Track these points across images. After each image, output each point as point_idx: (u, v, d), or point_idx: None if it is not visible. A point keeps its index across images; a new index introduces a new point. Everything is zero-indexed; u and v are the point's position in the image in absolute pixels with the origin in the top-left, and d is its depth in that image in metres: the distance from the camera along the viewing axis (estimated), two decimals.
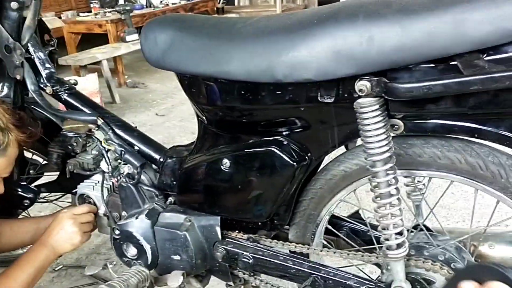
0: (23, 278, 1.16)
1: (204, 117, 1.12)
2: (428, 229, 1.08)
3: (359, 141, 0.99)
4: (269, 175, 1.03)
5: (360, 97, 0.83)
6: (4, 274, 1.16)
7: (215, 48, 0.95)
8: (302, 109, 0.94)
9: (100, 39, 4.47)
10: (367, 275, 1.11)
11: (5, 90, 1.35)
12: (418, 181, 1.15)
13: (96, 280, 1.71)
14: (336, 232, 1.16)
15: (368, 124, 0.84)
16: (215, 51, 0.95)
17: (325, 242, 1.18)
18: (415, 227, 1.09)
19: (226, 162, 1.06)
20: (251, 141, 1.05)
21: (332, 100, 0.88)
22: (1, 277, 1.15)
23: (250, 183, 1.06)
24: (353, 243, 1.16)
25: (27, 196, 1.57)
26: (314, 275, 1.06)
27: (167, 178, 1.24)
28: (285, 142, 1.01)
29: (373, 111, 0.83)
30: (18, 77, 1.31)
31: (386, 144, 0.86)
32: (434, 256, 0.98)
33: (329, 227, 1.14)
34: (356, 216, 1.23)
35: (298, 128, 1.00)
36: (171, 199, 1.25)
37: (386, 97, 0.80)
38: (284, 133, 1.02)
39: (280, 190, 1.04)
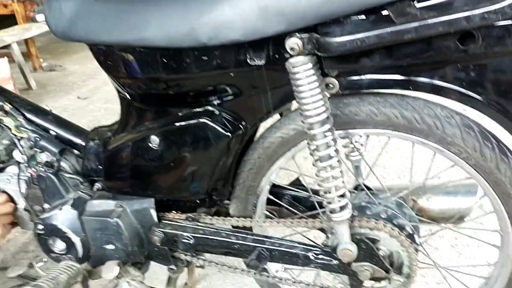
0: None
1: (125, 92, 1.01)
2: (368, 188, 1.07)
3: (294, 105, 0.95)
4: (202, 149, 0.95)
5: (291, 56, 0.78)
6: None
7: (128, 12, 0.85)
8: (232, 74, 0.87)
9: (7, 21, 4.07)
10: (313, 241, 1.08)
11: None
12: (355, 141, 1.14)
13: (26, 281, 1.57)
14: (278, 201, 1.12)
15: (302, 85, 0.80)
16: (128, 15, 0.85)
17: (267, 213, 1.14)
18: (356, 187, 1.08)
19: (155, 139, 0.98)
20: (180, 114, 0.97)
21: (263, 62, 0.82)
22: None
23: (183, 160, 0.98)
24: (296, 211, 1.13)
25: None
26: (259, 248, 1.02)
27: (92, 163, 1.13)
28: (217, 112, 0.94)
29: (306, 70, 0.78)
30: None
31: (323, 105, 0.82)
32: (377, 214, 0.97)
33: (271, 197, 1.10)
34: (297, 183, 1.20)
35: (229, 96, 0.94)
36: (98, 185, 1.14)
37: (319, 54, 0.75)
38: (215, 103, 0.95)
39: (216, 163, 0.97)
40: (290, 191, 1.16)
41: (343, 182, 0.90)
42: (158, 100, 1.00)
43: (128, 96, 1.02)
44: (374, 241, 0.96)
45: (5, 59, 3.27)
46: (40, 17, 3.81)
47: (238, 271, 1.11)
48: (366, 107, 0.88)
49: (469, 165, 0.87)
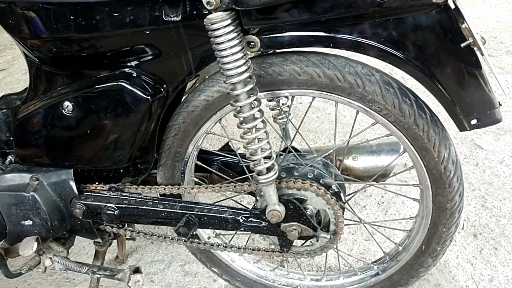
0: None
1: (33, 56, 0.93)
2: (296, 150, 1.07)
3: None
4: (121, 114, 0.90)
5: (209, 12, 0.74)
6: None
7: None
8: (148, 32, 0.82)
9: None
10: (242, 205, 1.08)
11: None
12: (282, 104, 1.13)
13: None
14: (207, 167, 1.10)
15: (222, 42, 0.77)
16: None
17: (197, 180, 1.11)
18: (284, 150, 1.07)
19: (68, 105, 0.91)
20: (94, 77, 0.90)
21: (179, 18, 0.78)
22: None
23: (101, 126, 0.92)
24: (226, 176, 1.12)
25: None
26: (187, 215, 0.99)
27: (1, 134, 1.04)
28: (135, 74, 0.89)
29: (225, 26, 0.75)
30: None
31: (244, 63, 0.79)
32: (304, 175, 0.98)
33: (199, 163, 1.07)
34: (226, 148, 1.18)
35: (147, 57, 0.88)
36: (10, 157, 1.06)
37: (237, 8, 0.72)
38: (132, 64, 0.89)
39: (137, 129, 0.92)
40: (220, 157, 1.14)
41: (268, 143, 0.89)
42: (70, 63, 0.92)
43: (36, 59, 0.93)
44: (301, 201, 0.97)
45: None
46: None
47: (168, 240, 1.09)
48: (289, 67, 0.87)
49: (389, 121, 0.89)
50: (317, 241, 1.01)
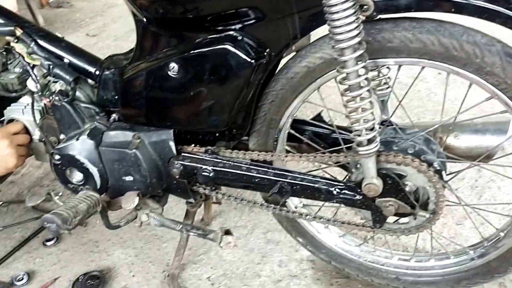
0: None
1: (143, 16, 0.95)
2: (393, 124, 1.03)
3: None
4: (224, 77, 0.91)
5: None
6: None
7: None
8: None
9: None
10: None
11: None
12: (383, 75, 1.08)
13: (42, 213, 1.58)
14: (299, 136, 1.08)
15: (335, 5, 0.73)
16: None
17: (288, 148, 1.11)
18: (382, 123, 1.03)
19: (174, 67, 0.93)
20: (201, 39, 0.91)
21: None
22: None
23: (204, 89, 0.94)
24: (317, 147, 1.10)
25: None
26: (280, 182, 0.99)
27: (107, 93, 1.09)
28: (240, 38, 0.89)
29: None
30: None
31: (356, 28, 0.76)
32: (404, 149, 0.93)
33: (292, 131, 1.06)
34: (318, 119, 1.15)
35: (253, 20, 0.87)
36: (114, 116, 1.11)
37: None
38: (237, 27, 0.89)
39: (238, 93, 0.93)
40: (312, 127, 1.12)
41: (372, 114, 0.86)
42: (176, 25, 0.94)
43: (145, 20, 0.96)
44: (400, 176, 0.93)
45: None
46: None
47: (257, 206, 1.10)
48: (400, 33, 0.82)
49: (507, 97, 0.82)
50: (414, 219, 0.97)
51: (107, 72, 1.08)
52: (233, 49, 0.87)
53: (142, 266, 1.36)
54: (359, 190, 0.95)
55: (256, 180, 1.01)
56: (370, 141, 0.86)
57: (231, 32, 0.89)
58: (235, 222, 1.49)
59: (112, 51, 2.95)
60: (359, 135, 0.86)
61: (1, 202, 1.67)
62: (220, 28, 0.90)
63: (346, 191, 0.97)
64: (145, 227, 1.49)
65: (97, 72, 1.11)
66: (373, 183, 0.91)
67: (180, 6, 0.89)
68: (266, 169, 1.01)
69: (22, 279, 1.32)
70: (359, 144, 0.87)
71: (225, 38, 0.89)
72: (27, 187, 1.75)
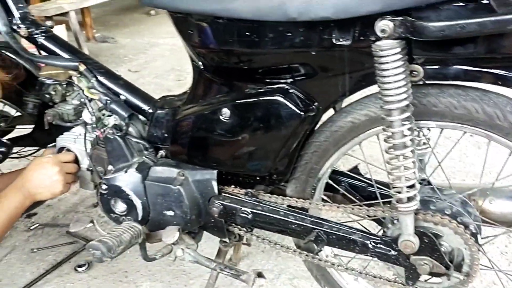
0: None
1: (200, 62, 1.02)
2: (430, 184, 1.05)
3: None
4: (273, 126, 0.96)
5: (380, 38, 0.77)
6: None
7: None
8: (313, 53, 0.87)
9: None
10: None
11: None
12: (423, 134, 1.12)
13: (75, 239, 1.64)
14: (336, 187, 1.12)
15: (387, 69, 0.78)
16: None
17: (324, 197, 1.14)
18: (420, 182, 1.06)
19: (226, 112, 0.99)
20: (253, 89, 0.98)
21: (349, 42, 0.81)
22: None
23: (252, 135, 0.99)
24: (353, 198, 1.13)
25: (1, 150, 1.46)
26: (317, 230, 1.02)
27: (158, 130, 1.16)
28: (291, 90, 0.94)
29: (393, 54, 0.77)
30: None
31: (405, 92, 0.80)
32: (441, 210, 0.96)
33: (330, 181, 1.10)
34: (355, 171, 1.19)
35: (305, 75, 0.93)
36: (162, 152, 1.17)
37: (412, 37, 0.74)
38: (289, 81, 0.95)
39: (284, 142, 0.98)
40: (349, 178, 1.16)
41: (414, 173, 0.89)
42: (231, 73, 1.00)
43: (202, 66, 1.03)
44: (437, 236, 0.94)
45: (63, 26, 3.37)
46: None
47: (290, 251, 1.12)
48: (446, 99, 0.86)
49: None
50: (448, 280, 0.97)
51: (159, 111, 1.16)
52: (284, 101, 0.93)
53: None
54: (394, 245, 0.97)
55: (293, 226, 1.04)
56: (410, 199, 0.89)
57: (282, 85, 0.95)
58: (262, 265, 1.50)
59: (152, 88, 3.09)
60: (399, 192, 0.89)
61: (37, 225, 1.73)
62: (272, 80, 0.96)
63: (382, 246, 0.98)
64: (174, 262, 1.52)
65: (150, 110, 1.18)
66: (410, 240, 0.93)
67: (236, 57, 0.96)
68: (303, 216, 1.04)
69: None
70: (399, 201, 0.90)
71: (277, 90, 0.95)
72: (63, 212, 1.81)
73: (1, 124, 1.52)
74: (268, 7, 0.80)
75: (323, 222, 1.03)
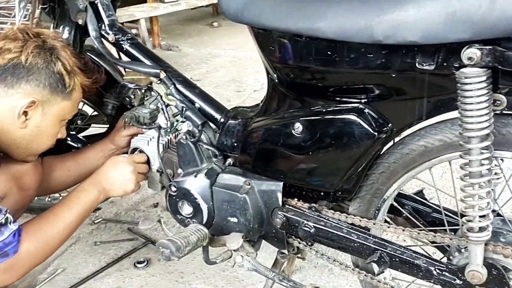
0: (71, 217, 1.14)
1: (276, 76, 1.05)
2: (499, 215, 1.03)
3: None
4: (345, 144, 0.98)
5: (465, 66, 0.77)
6: (51, 211, 1.14)
7: (304, 2, 0.89)
8: (393, 75, 0.88)
9: None
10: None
11: (65, 34, 1.32)
12: (496, 165, 1.09)
13: (135, 236, 1.71)
14: (400, 209, 1.12)
15: (471, 97, 0.78)
16: (304, 5, 0.89)
17: (387, 219, 1.14)
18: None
19: (299, 127, 1.02)
20: (327, 106, 1.00)
21: (432, 67, 0.82)
22: (49, 214, 1.13)
23: (322, 151, 1.01)
24: (416, 223, 1.12)
25: (75, 145, 1.56)
26: (380, 251, 1.02)
27: (228, 139, 1.21)
28: (366, 110, 0.96)
29: (478, 82, 0.77)
30: (80, 22, 1.27)
31: (487, 120, 0.80)
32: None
33: (395, 204, 1.10)
34: (420, 195, 1.18)
35: (381, 96, 0.95)
36: (230, 160, 1.21)
37: (500, 67, 0.74)
38: (363, 100, 0.96)
39: (355, 160, 0.99)
40: (413, 202, 1.15)
41: (488, 203, 0.87)
42: (306, 89, 1.03)
43: (276, 80, 1.06)
44: (506, 269, 0.92)
45: (134, 31, 3.55)
46: None
47: (349, 270, 1.13)
48: None
49: None
50: None
51: (231, 121, 1.20)
52: (358, 120, 0.95)
53: None
54: (460, 275, 0.95)
55: (355, 244, 1.05)
56: (481, 229, 0.88)
57: (357, 104, 0.97)
58: (314, 280, 1.51)
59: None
60: (471, 221, 0.88)
61: (101, 219, 1.82)
62: (347, 99, 0.98)
63: (447, 273, 0.97)
64: (227, 267, 1.56)
65: (222, 120, 1.23)
66: (478, 271, 0.91)
67: (313, 75, 0.99)
68: (366, 236, 1.05)
69: None
70: (470, 230, 0.88)
71: (351, 109, 0.96)
72: (125, 209, 1.90)
73: (78, 121, 1.63)
74: (354, 29, 0.82)
75: (387, 243, 1.03)
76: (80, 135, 1.63)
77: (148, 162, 1.36)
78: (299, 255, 1.44)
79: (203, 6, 6.39)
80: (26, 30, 1.08)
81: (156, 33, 4.43)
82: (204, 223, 1.18)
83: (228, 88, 3.35)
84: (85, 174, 1.46)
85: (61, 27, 1.32)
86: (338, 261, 1.14)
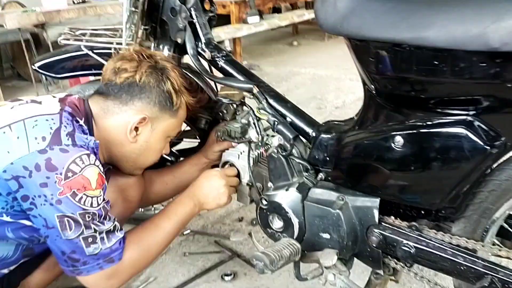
0: (169, 228, 1.18)
1: (372, 88, 1.02)
2: None
3: None
4: (452, 159, 0.92)
5: None
6: (152, 222, 1.18)
7: (409, 11, 0.86)
8: (509, 85, 0.82)
9: (223, 20, 4.56)
10: None
11: (165, 52, 1.39)
12: None
13: (222, 249, 1.74)
14: None
15: None
16: (409, 15, 0.86)
17: (496, 242, 1.05)
18: None
19: (399, 141, 0.97)
20: (432, 119, 0.95)
21: None
22: (150, 224, 1.17)
23: (427, 166, 0.96)
24: None
25: (169, 159, 1.63)
26: (490, 276, 0.93)
27: (320, 153, 1.19)
28: (476, 123, 0.90)
29: None
30: (179, 41, 1.33)
31: None
32: None
33: (505, 226, 1.01)
34: None
35: (493, 108, 0.88)
36: (321, 175, 1.19)
37: None
38: (471, 112, 0.90)
39: (463, 177, 0.93)
40: None
41: None
42: (407, 101, 0.99)
43: (374, 91, 1.03)
44: None
45: None
46: (251, 19, 4.20)
47: None
48: None
49: None
50: None
51: (324, 135, 1.18)
52: (468, 134, 0.89)
53: None
54: None
55: (462, 267, 0.97)
56: None
57: (465, 117, 0.91)
58: None
59: None
60: None
61: (189, 231, 1.87)
62: (453, 111, 0.92)
63: None
64: (313, 285, 1.52)
65: (314, 134, 1.22)
66: None
67: (416, 86, 0.94)
68: (475, 259, 0.97)
69: None
70: None
71: (459, 122, 0.91)
72: (211, 222, 1.94)
73: None
74: (467, 36, 0.78)
75: (498, 268, 0.94)
76: (173, 149, 1.70)
77: (238, 175, 1.39)
78: (393, 278, 1.37)
79: (283, 27, 6.53)
80: (141, 52, 1.16)
81: (238, 53, 4.55)
82: (295, 238, 1.17)
83: (309, 105, 3.34)
84: (181, 187, 1.52)
85: (161, 46, 1.39)
86: (440, 285, 1.07)
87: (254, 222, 1.87)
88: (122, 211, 1.35)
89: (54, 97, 1.12)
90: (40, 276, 1.35)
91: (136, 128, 1.15)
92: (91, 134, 1.11)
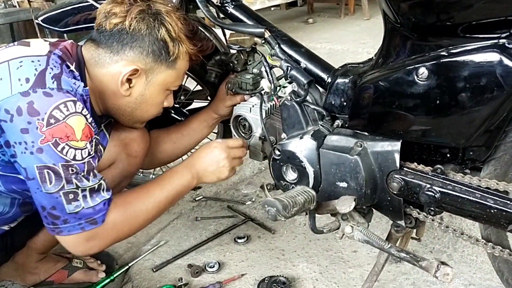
0: (162, 197, 1.09)
1: (395, 19, 0.93)
2: None
3: None
4: (483, 87, 0.83)
5: None
6: (143, 187, 1.10)
7: None
8: None
9: None
10: None
11: None
12: None
13: (235, 214, 1.68)
14: None
15: None
16: None
17: None
18: None
19: (423, 72, 0.89)
20: (460, 45, 0.85)
21: None
22: (141, 190, 1.09)
23: (454, 98, 0.87)
24: None
25: (179, 118, 1.57)
26: None
27: (336, 99, 1.11)
28: (511, 46, 0.80)
29: None
30: None
31: None
32: None
33: None
34: None
35: None
36: (338, 122, 1.11)
37: None
38: (505, 34, 0.81)
39: (495, 107, 0.83)
40: None
41: None
42: (432, 29, 0.90)
43: (397, 23, 0.94)
44: None
45: None
46: None
47: (480, 244, 0.97)
48: None
49: None
50: None
51: (340, 79, 1.10)
52: (502, 58, 0.79)
53: (327, 284, 1.31)
54: None
55: (493, 211, 0.89)
56: None
57: (497, 40, 0.82)
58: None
59: None
60: None
61: (201, 197, 1.82)
62: (483, 35, 0.84)
63: None
64: (331, 247, 1.45)
65: (329, 79, 1.15)
66: None
67: (442, 9, 0.86)
68: (507, 201, 0.88)
69: (213, 267, 1.39)
70: None
71: (491, 46, 0.82)
72: (224, 188, 1.88)
73: (182, 97, 1.64)
74: None
75: None
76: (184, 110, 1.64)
77: (250, 129, 1.32)
78: (415, 235, 1.29)
79: (297, 6, 6.40)
80: None
81: None
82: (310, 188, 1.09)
83: None
84: (191, 145, 1.46)
85: None
86: (467, 235, 0.99)
87: (268, 187, 1.80)
88: (126, 167, 1.30)
89: (46, 41, 1.05)
90: (45, 236, 1.31)
91: (129, 80, 1.06)
92: (83, 81, 1.02)
